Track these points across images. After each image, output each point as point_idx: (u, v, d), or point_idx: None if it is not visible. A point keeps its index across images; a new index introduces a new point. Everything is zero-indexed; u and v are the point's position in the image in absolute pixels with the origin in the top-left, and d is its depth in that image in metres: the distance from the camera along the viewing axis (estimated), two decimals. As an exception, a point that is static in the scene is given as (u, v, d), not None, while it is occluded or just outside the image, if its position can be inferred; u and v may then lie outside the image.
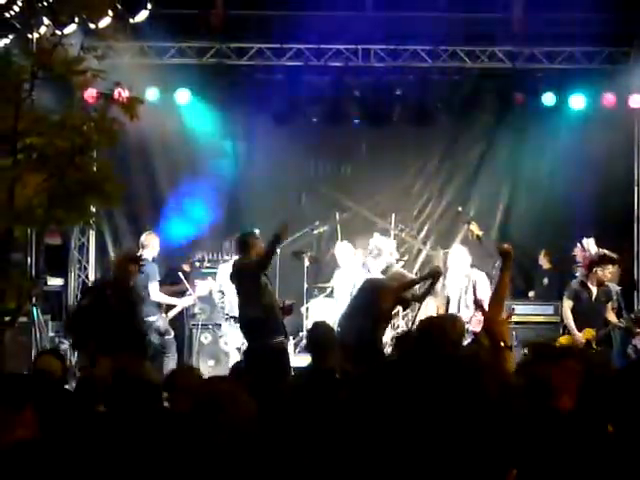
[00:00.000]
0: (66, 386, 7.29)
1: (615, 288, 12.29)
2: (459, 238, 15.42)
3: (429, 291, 11.31)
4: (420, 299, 11.38)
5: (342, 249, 13.59)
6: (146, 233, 13.40)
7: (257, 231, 11.06)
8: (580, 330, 11.87)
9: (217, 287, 13.43)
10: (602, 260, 12.07)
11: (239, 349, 12.56)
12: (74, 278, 15.83)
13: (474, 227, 13.76)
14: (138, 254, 11.77)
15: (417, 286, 11.42)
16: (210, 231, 15.83)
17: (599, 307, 12.03)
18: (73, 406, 5.61)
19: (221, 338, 13.75)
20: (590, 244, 12.10)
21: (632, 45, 14.92)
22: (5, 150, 9.40)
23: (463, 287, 12.73)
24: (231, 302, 12.57)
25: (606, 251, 12.16)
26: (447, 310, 12.57)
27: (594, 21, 14.73)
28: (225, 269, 13.28)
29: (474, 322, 12.59)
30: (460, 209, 15.05)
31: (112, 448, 3.83)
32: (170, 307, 13.33)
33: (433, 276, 11.20)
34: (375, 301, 10.69)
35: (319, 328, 8.04)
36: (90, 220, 10.58)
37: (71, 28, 10.12)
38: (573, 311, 12.08)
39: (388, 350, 11.55)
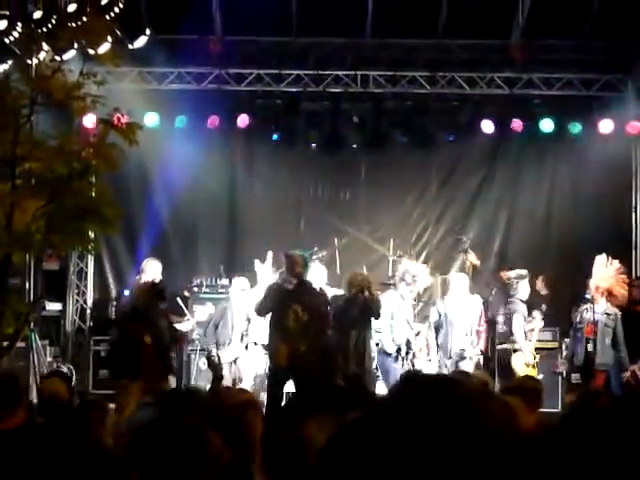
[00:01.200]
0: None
1: (614, 310, 12.23)
2: (456, 266, 15.45)
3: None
4: None
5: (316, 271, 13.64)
6: (147, 259, 13.41)
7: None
8: None
9: (244, 315, 13.26)
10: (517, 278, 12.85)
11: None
12: (72, 303, 15.80)
13: (472, 257, 13.83)
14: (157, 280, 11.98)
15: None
16: (208, 256, 15.85)
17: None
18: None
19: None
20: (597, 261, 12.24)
21: (629, 72, 14.97)
22: (4, 175, 9.42)
23: (471, 312, 12.82)
24: (255, 329, 12.66)
25: (515, 271, 13.12)
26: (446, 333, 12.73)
27: (591, 48, 14.82)
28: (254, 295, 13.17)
29: (482, 342, 12.83)
30: (459, 237, 15.08)
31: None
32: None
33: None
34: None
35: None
36: (89, 246, 10.60)
37: (70, 54, 10.18)
38: None
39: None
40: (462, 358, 12.44)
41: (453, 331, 12.70)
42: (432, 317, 13.06)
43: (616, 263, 12.14)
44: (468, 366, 12.28)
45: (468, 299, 12.90)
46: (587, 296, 12.12)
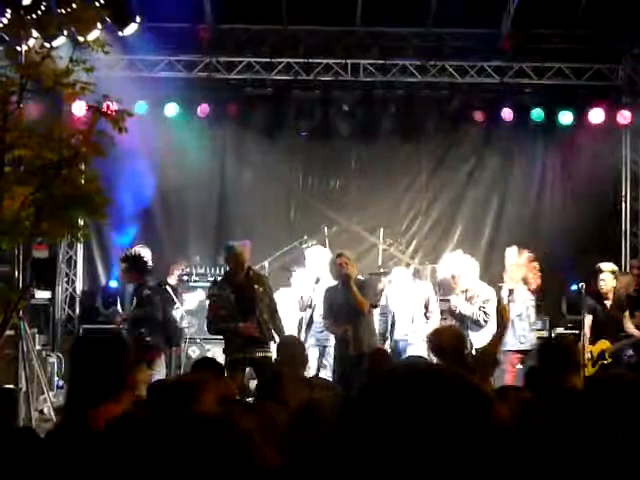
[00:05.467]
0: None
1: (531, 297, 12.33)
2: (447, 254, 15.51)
3: None
4: None
5: (315, 253, 13.56)
6: (138, 246, 13.39)
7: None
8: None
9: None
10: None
11: None
12: (62, 291, 15.78)
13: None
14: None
15: None
16: (198, 245, 15.82)
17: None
18: None
19: (209, 352, 13.70)
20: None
21: (620, 61, 14.98)
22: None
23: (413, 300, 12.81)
24: None
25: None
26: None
27: (582, 37, 14.81)
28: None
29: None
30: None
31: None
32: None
33: None
34: None
35: (288, 342, 8.13)
36: (78, 233, 10.56)
37: (60, 41, 10.13)
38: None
39: None
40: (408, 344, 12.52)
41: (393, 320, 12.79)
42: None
43: (526, 253, 12.19)
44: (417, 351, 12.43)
45: (411, 289, 12.90)
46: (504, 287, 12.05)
